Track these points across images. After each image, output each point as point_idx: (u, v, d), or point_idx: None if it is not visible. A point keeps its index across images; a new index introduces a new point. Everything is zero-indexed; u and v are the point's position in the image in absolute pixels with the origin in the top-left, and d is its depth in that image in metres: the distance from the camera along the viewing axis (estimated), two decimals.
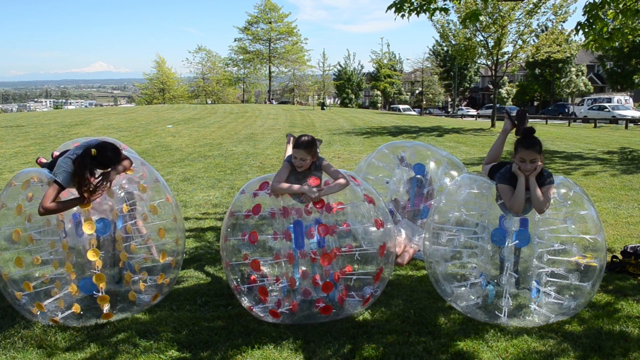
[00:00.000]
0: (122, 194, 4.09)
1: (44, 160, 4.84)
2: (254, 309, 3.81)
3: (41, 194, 3.65)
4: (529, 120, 4.46)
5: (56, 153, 4.83)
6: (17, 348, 3.46)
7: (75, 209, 3.83)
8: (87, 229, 3.68)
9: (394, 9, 5.98)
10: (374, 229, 3.96)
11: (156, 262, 4.18)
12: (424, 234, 4.33)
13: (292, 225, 3.84)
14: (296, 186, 3.78)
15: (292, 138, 5.31)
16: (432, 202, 5.43)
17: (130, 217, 4.16)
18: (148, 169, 4.25)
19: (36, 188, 3.83)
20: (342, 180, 3.80)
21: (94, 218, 3.82)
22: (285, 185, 3.78)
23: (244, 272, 4.01)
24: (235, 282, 3.88)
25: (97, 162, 3.67)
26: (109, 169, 3.81)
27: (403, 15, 6.01)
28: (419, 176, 5.60)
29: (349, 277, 3.96)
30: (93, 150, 3.63)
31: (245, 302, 3.84)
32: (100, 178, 3.77)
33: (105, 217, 3.94)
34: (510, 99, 52.84)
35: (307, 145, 3.83)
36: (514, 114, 4.50)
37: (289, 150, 5.01)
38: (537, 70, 49.25)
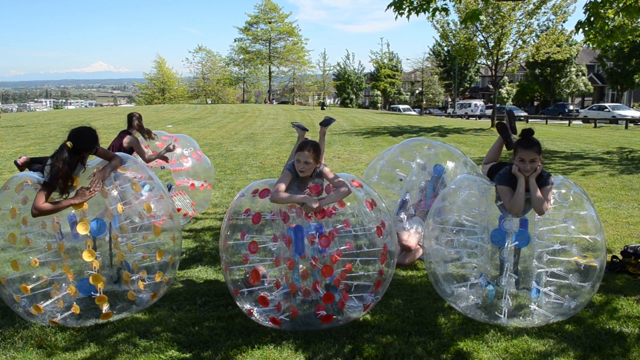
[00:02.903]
0: (116, 193, 4.08)
1: (21, 161, 4.77)
2: (254, 313, 3.80)
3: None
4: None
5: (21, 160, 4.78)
6: (17, 348, 3.46)
7: (71, 210, 3.82)
8: (82, 230, 3.67)
9: (393, 7, 5.95)
10: (374, 235, 3.91)
11: (154, 260, 4.17)
12: (423, 234, 4.33)
13: (292, 230, 3.77)
14: (297, 196, 3.73)
15: (298, 128, 5.30)
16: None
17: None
18: (143, 167, 4.25)
19: (30, 191, 3.82)
20: (344, 189, 3.74)
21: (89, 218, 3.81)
22: (286, 195, 3.72)
23: (244, 273, 4.00)
24: (234, 286, 3.87)
25: (76, 151, 3.67)
26: (102, 168, 3.83)
27: (402, 14, 5.98)
28: (437, 177, 5.58)
29: (349, 282, 3.93)
30: (69, 143, 3.64)
31: (246, 306, 3.83)
32: (93, 177, 3.77)
33: (100, 218, 3.92)
34: (510, 99, 52.80)
35: (313, 147, 3.81)
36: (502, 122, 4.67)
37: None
38: (537, 70, 49.20)
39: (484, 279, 3.99)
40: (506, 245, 3.86)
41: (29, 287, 3.77)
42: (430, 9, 5.98)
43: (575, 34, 7.40)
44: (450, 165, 5.61)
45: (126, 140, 5.95)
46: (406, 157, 5.76)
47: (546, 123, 32.44)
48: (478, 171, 5.69)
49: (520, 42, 21.30)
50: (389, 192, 5.82)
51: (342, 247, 3.85)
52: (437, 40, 49.51)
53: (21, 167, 4.71)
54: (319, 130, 5.39)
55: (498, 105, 35.11)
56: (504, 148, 4.70)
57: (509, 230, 3.87)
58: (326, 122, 5.40)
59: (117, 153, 4.05)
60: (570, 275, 3.87)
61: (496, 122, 4.76)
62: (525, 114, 41.18)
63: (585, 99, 54.32)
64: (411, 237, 5.13)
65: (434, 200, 5.48)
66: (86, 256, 3.66)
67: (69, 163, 3.63)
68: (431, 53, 58.93)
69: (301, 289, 3.87)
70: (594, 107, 38.16)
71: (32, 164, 4.55)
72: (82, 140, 3.68)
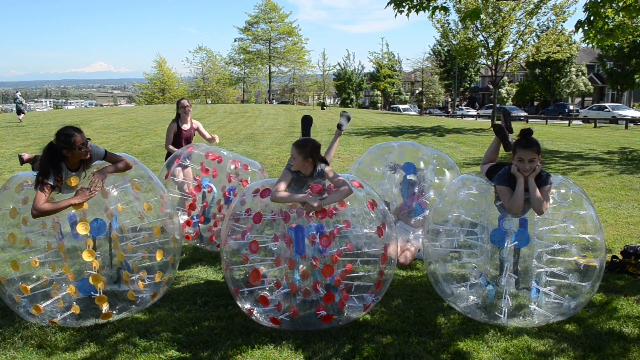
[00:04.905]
0: (116, 193, 4.08)
1: (26, 156, 4.84)
2: (254, 313, 3.80)
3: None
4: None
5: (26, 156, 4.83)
6: (17, 348, 3.46)
7: (71, 210, 3.82)
8: (81, 230, 3.67)
9: (393, 4, 5.91)
10: (375, 236, 3.91)
11: (153, 260, 4.17)
12: (422, 235, 4.32)
13: (292, 230, 3.77)
14: (297, 196, 3.72)
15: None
16: (425, 200, 5.40)
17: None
18: (142, 168, 4.26)
19: (30, 191, 3.83)
20: (345, 188, 3.73)
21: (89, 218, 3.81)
22: (286, 194, 3.72)
23: (244, 273, 4.00)
24: (235, 286, 3.87)
25: (59, 148, 3.69)
26: (103, 168, 3.83)
27: (402, 12, 5.94)
28: (409, 176, 5.57)
29: (350, 282, 3.93)
30: (52, 140, 3.71)
31: (246, 305, 3.83)
32: (93, 177, 3.76)
33: (99, 217, 3.92)
34: (510, 99, 52.77)
35: (297, 144, 3.84)
36: (498, 122, 4.66)
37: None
38: (537, 70, 49.20)
39: (483, 279, 3.99)
40: (506, 245, 3.86)
41: (29, 287, 3.77)
42: (430, 8, 5.94)
43: (575, 33, 7.36)
44: (420, 161, 5.59)
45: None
46: (375, 164, 5.76)
47: (546, 123, 32.43)
48: (449, 162, 5.69)
49: (520, 42, 21.30)
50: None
51: (343, 247, 3.85)
52: (437, 40, 49.51)
53: (24, 162, 4.74)
54: (335, 131, 5.51)
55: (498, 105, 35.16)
56: (502, 149, 4.70)
57: (508, 230, 3.87)
58: (342, 125, 5.51)
59: (122, 155, 4.05)
60: (570, 275, 3.87)
61: (495, 122, 4.77)
62: (525, 114, 41.17)
63: (585, 99, 54.30)
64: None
65: (412, 198, 5.47)
66: (86, 256, 3.66)
67: (48, 156, 3.68)
68: (431, 53, 58.95)
69: (301, 289, 3.86)
70: (594, 107, 38.14)
71: (36, 161, 4.58)
72: (57, 138, 3.71)
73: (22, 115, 24.26)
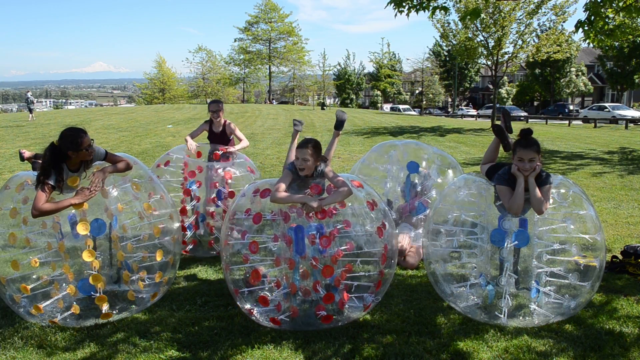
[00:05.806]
0: (116, 193, 4.08)
1: (27, 154, 4.84)
2: (254, 313, 3.80)
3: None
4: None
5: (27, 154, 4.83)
6: (17, 348, 3.46)
7: (71, 210, 3.82)
8: (82, 230, 3.67)
9: (392, 4, 5.91)
10: (375, 235, 3.91)
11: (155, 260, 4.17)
12: (423, 235, 4.32)
13: (292, 230, 3.77)
14: (297, 196, 3.72)
15: (297, 123, 5.50)
16: (427, 199, 5.40)
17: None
18: (142, 168, 4.26)
19: (30, 191, 3.82)
20: (344, 189, 3.72)
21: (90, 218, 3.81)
22: (286, 195, 3.72)
23: (244, 274, 4.00)
24: (235, 286, 3.86)
25: (62, 149, 3.67)
26: (102, 169, 3.83)
27: (402, 12, 5.93)
28: (412, 175, 5.57)
29: (350, 282, 3.93)
30: (55, 141, 3.69)
31: (246, 305, 3.83)
32: (93, 177, 3.76)
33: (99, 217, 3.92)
34: (510, 99, 52.77)
35: (313, 144, 3.82)
36: (498, 122, 4.65)
37: (294, 148, 5.16)
38: (537, 70, 49.18)
39: (483, 279, 3.99)
40: (506, 245, 3.86)
41: (29, 287, 3.77)
42: (430, 7, 5.93)
43: (575, 33, 7.35)
44: (422, 160, 5.58)
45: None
46: (379, 162, 5.75)
47: (546, 123, 32.42)
48: (452, 162, 5.69)
49: (520, 42, 21.29)
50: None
51: (343, 248, 3.84)
52: (437, 40, 49.47)
53: (24, 159, 4.73)
54: (333, 132, 5.49)
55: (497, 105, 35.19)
56: (502, 149, 4.70)
57: (508, 230, 3.87)
58: (340, 125, 5.48)
59: (123, 155, 4.05)
60: (570, 275, 3.87)
61: (495, 122, 4.77)
62: (525, 114, 41.16)
63: (585, 99, 54.27)
64: (404, 239, 5.07)
65: (415, 200, 5.46)
66: (86, 256, 3.66)
67: (50, 157, 3.66)
68: (431, 53, 58.96)
69: (301, 289, 3.87)
70: (594, 107, 38.12)
71: (36, 159, 4.58)
72: (63, 139, 3.69)
73: (31, 115, 25.04)
